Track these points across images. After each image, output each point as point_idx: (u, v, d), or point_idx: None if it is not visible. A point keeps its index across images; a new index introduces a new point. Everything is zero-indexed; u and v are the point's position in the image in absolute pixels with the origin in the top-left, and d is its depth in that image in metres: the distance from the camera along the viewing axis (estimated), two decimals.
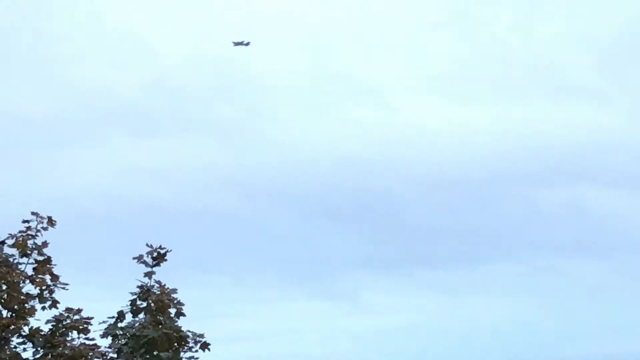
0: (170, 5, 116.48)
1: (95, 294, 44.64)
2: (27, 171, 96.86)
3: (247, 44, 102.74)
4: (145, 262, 36.94)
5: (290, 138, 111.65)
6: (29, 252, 35.61)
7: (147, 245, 36.90)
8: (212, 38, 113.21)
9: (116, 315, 36.82)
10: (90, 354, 34.65)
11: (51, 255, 35.91)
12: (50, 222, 35.84)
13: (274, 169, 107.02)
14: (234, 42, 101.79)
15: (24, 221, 35.89)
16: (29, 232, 35.57)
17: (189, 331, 36.63)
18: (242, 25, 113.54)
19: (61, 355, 34.53)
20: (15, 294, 34.69)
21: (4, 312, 34.99)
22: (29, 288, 35.47)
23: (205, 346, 36.84)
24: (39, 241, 35.70)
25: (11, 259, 35.35)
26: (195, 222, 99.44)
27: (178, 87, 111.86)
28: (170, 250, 36.88)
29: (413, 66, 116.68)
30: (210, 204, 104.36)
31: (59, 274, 35.79)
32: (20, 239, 35.41)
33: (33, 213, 35.70)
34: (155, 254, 36.92)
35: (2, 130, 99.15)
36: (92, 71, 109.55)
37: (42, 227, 35.74)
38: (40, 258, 35.76)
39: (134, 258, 36.98)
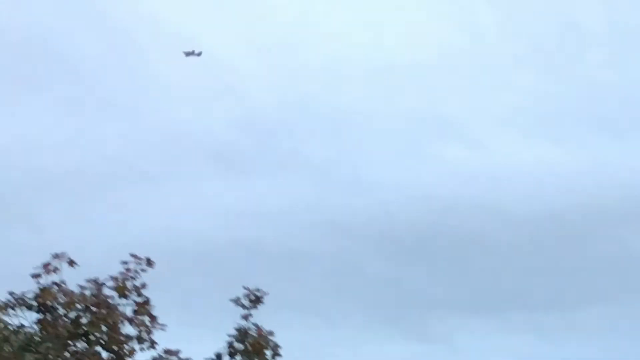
0: (262, 46, 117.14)
1: (192, 335, 44.83)
2: (121, 211, 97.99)
3: (199, 53, 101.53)
4: (242, 305, 37.00)
5: (380, 177, 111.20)
6: (128, 293, 35.85)
7: (244, 287, 36.97)
8: (303, 79, 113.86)
9: (214, 357, 37.04)
10: None
11: (149, 296, 36.12)
12: (149, 263, 36.17)
13: (364, 209, 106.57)
14: (185, 53, 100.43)
15: (123, 262, 36.23)
16: (128, 274, 35.82)
17: None
18: (328, 66, 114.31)
19: None
20: (115, 336, 35.09)
21: (104, 354, 35.35)
22: (128, 329, 35.65)
23: None
24: (137, 282, 35.93)
25: (111, 301, 35.60)
26: (287, 262, 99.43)
27: (269, 127, 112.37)
28: (267, 294, 36.89)
29: (500, 103, 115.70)
30: (300, 245, 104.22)
31: (156, 315, 35.92)
32: (120, 280, 35.72)
33: (132, 255, 36.01)
34: (252, 297, 36.98)
35: (96, 170, 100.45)
36: (184, 110, 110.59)
37: (141, 269, 35.99)
38: (139, 299, 36.01)
39: (231, 300, 37.07)
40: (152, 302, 36.73)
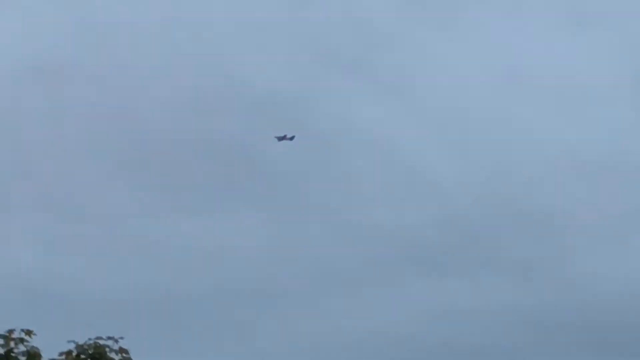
0: (463, 146, 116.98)
1: None
2: (323, 314, 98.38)
3: (292, 138, 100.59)
4: None
5: (587, 272, 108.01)
6: None
7: None
8: (501, 178, 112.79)
9: None
10: None
11: None
12: None
13: (569, 306, 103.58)
14: (277, 138, 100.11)
15: None
16: None
17: None
18: (527, 165, 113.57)
19: None
20: None
21: None
22: None
23: None
24: None
25: None
26: None
27: (468, 226, 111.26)
28: None
29: None
30: (506, 344, 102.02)
31: None
32: None
33: None
34: None
35: (294, 276, 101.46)
36: (381, 211, 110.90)
37: None
38: None
39: None
40: None
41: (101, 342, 39.07)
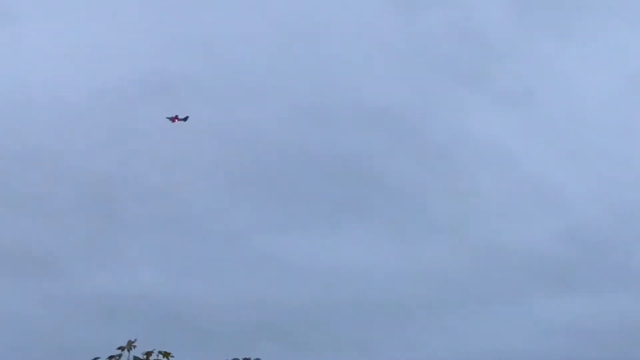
0: (586, 156, 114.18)
1: None
2: (447, 331, 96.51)
3: (185, 119, 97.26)
4: None
5: None
6: None
7: None
8: (630, 188, 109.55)
9: None
10: None
11: None
12: None
13: None
14: (168, 118, 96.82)
15: None
16: None
17: None
18: None
19: None
20: None
21: None
22: None
23: None
24: None
25: None
26: None
27: (595, 239, 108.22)
28: None
29: None
30: None
31: None
32: None
33: None
34: None
35: (421, 293, 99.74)
36: (507, 226, 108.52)
37: None
38: None
39: None
40: None
41: None
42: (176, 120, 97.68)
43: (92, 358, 36.88)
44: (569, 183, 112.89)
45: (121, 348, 36.00)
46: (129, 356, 37.20)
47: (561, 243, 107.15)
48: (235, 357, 38.30)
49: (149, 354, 37.14)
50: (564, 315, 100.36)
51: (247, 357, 38.57)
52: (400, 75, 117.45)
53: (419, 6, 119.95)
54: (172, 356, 38.03)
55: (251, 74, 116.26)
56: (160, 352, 37.69)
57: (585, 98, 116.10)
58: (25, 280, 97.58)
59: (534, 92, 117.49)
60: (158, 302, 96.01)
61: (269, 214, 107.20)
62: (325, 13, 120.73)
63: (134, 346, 36.32)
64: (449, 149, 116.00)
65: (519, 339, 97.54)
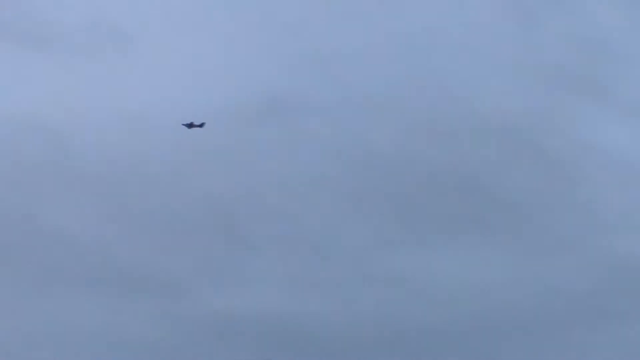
0: None
1: None
2: (574, 347, 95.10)
3: (201, 125, 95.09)
4: None
5: None
6: None
7: None
8: None
9: None
10: None
11: None
12: None
13: None
14: (185, 125, 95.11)
15: None
16: None
17: None
18: None
19: None
20: None
21: None
22: None
23: None
24: None
25: None
26: None
27: None
28: None
29: None
30: None
31: None
32: None
33: None
34: None
35: (547, 309, 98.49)
36: (634, 238, 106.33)
37: None
38: None
39: None
40: None
41: None
42: (193, 126, 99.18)
43: None
44: None
45: None
46: None
47: None
48: None
49: None
50: None
51: None
52: (518, 86, 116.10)
53: (535, 16, 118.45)
54: None
55: (367, 91, 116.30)
56: None
57: None
58: (147, 301, 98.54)
59: None
60: (281, 321, 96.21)
61: (388, 231, 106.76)
62: (440, 27, 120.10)
63: None
64: (568, 161, 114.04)
65: None
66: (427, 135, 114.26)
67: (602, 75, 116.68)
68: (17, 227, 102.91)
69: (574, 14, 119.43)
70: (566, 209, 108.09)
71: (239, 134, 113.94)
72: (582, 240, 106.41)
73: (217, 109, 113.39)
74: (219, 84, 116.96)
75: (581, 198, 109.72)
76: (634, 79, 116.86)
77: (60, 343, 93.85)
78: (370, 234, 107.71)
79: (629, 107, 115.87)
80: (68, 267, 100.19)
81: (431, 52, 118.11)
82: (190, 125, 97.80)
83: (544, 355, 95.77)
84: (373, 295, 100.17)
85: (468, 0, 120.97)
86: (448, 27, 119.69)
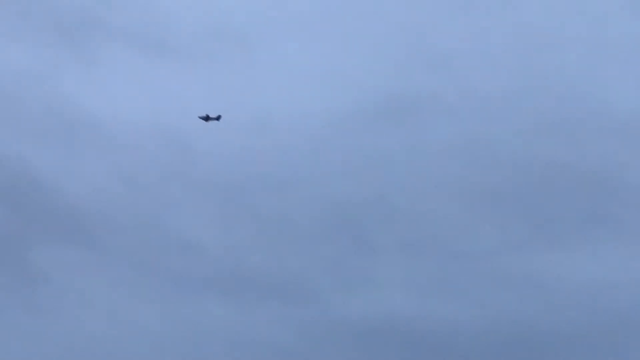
0: None
1: None
2: None
3: (218, 118, 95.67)
4: None
5: None
6: None
7: None
8: None
9: None
10: None
11: None
12: None
13: None
14: (201, 118, 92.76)
15: None
16: None
17: None
18: None
19: None
20: None
21: None
22: None
23: None
24: None
25: None
26: None
27: None
28: None
29: None
30: None
31: None
32: None
33: None
34: None
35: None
36: None
37: None
38: None
39: None
40: None
41: None
42: (209, 119, 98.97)
43: None
44: None
45: None
46: None
47: None
48: None
49: None
50: None
51: None
52: None
53: None
54: None
55: (492, 89, 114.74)
56: None
57: None
58: (274, 305, 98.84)
59: None
60: (409, 324, 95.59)
61: (515, 232, 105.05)
62: (566, 23, 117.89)
63: None
64: None
65: None
66: (553, 133, 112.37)
67: None
68: (146, 233, 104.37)
69: None
70: None
71: (361, 137, 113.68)
72: None
73: (339, 111, 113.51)
74: (340, 86, 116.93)
75: None
76: None
77: (190, 349, 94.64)
78: (498, 236, 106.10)
79: None
80: (197, 273, 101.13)
81: (558, 50, 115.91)
82: (206, 118, 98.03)
83: None
84: (506, 298, 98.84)
85: None
86: (575, 22, 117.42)
